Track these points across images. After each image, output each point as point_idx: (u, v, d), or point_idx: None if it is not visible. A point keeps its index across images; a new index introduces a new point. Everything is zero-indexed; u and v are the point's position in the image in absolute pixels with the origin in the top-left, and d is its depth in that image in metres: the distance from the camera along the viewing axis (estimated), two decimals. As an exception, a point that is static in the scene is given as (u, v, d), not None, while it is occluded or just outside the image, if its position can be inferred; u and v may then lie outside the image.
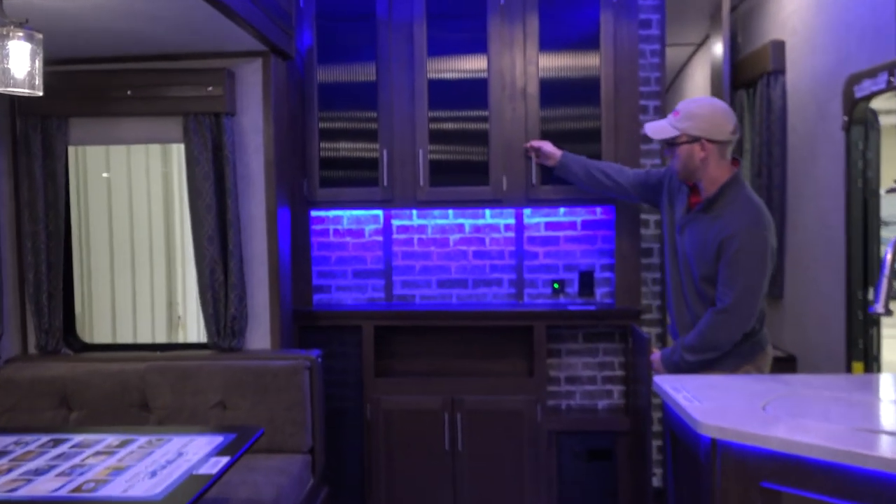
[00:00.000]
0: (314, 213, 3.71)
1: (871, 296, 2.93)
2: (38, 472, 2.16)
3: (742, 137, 3.87)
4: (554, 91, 3.47)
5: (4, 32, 2.09)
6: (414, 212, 3.73)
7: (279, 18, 3.16)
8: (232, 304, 3.19)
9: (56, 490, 2.02)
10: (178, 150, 4.29)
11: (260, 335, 3.32)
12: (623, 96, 3.47)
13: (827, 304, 3.26)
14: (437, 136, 3.52)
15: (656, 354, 2.92)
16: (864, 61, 2.91)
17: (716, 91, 4.26)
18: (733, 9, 4.28)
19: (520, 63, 3.48)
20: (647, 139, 3.55)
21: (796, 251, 3.63)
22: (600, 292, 3.70)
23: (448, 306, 3.67)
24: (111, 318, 4.51)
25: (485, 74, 3.49)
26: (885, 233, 3.06)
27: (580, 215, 3.70)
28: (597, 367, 3.73)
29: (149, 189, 4.66)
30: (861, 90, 2.91)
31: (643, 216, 3.65)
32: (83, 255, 4.31)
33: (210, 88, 3.15)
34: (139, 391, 3.13)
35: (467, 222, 3.74)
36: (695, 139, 2.68)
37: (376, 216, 3.75)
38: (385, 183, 3.52)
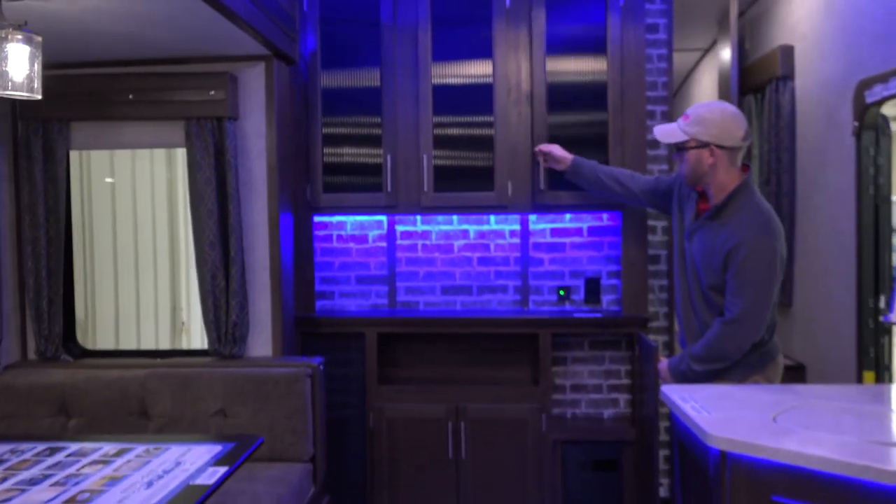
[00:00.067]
0: (317, 219, 3.68)
1: (883, 304, 2.88)
2: (33, 482, 2.13)
3: (750, 143, 3.83)
4: (560, 96, 3.43)
5: (3, 35, 2.07)
6: (418, 217, 3.69)
7: (282, 22, 3.13)
8: (233, 310, 3.16)
9: (50, 501, 1.99)
10: (182, 155, 4.27)
11: (261, 342, 3.29)
12: (630, 101, 3.43)
13: (837, 312, 3.21)
14: (441, 142, 3.48)
15: (663, 363, 2.87)
16: (875, 66, 2.88)
17: (723, 96, 4.23)
18: (741, 14, 4.25)
19: (525, 68, 3.45)
20: (655, 144, 3.51)
21: (806, 259, 3.58)
22: (607, 299, 3.65)
23: (452, 313, 3.62)
24: (115, 323, 4.50)
25: (490, 79, 3.45)
26: (897, 240, 3.02)
27: (586, 221, 3.65)
28: (603, 375, 3.68)
29: (153, 194, 4.65)
30: (872, 95, 2.87)
31: (650, 222, 3.60)
32: (87, 260, 4.30)
33: (212, 93, 3.13)
34: (138, 399, 3.10)
35: (472, 228, 3.70)
36: (704, 144, 2.63)
37: (380, 222, 3.71)
38: (389, 188, 3.49)
